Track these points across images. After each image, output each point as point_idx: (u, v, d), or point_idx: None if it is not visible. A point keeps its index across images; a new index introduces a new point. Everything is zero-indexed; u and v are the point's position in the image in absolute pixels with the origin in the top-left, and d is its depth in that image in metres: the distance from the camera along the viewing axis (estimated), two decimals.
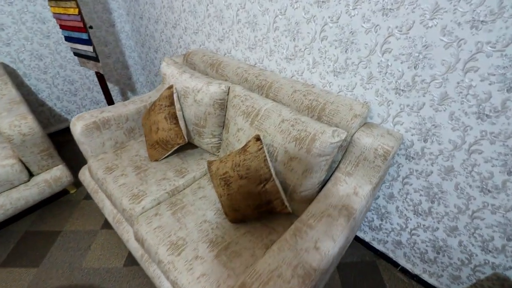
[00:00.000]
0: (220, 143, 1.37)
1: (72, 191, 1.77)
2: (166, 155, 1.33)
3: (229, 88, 1.24)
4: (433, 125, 0.93)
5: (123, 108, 1.47)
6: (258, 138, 0.97)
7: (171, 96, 1.29)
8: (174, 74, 1.38)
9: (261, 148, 0.95)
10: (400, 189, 1.15)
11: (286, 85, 1.16)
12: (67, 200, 1.71)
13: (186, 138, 1.27)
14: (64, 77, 2.17)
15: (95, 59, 1.70)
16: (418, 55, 0.87)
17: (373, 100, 1.05)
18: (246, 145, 1.00)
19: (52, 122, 2.26)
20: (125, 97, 2.66)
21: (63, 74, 2.15)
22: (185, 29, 1.81)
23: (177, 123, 1.26)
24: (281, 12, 1.19)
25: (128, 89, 2.66)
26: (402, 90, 0.95)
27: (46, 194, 1.53)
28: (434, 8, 0.79)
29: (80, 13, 1.53)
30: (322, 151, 0.91)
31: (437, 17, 0.79)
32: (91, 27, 1.84)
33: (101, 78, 1.96)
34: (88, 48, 1.68)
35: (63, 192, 1.76)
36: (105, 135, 1.40)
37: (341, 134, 0.90)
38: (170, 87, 1.31)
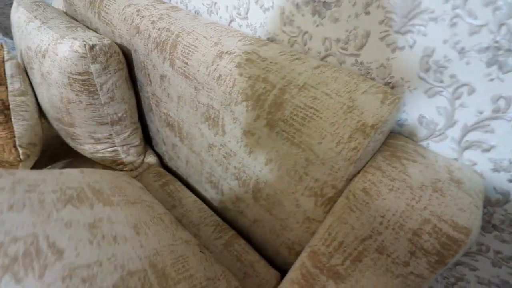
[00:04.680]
0: (116, 151, 0.76)
1: None
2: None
3: (92, 48, 0.59)
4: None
5: None
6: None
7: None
8: (20, 24, 0.73)
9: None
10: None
11: (207, 41, 0.50)
12: None
13: (21, 153, 0.65)
14: None
15: None
16: None
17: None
18: None
19: None
20: None
21: None
22: None
23: (6, 120, 0.65)
24: None
25: None
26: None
27: None
28: None
29: None
30: None
31: None
32: None
33: None
34: None
35: None
36: None
37: None
38: None
